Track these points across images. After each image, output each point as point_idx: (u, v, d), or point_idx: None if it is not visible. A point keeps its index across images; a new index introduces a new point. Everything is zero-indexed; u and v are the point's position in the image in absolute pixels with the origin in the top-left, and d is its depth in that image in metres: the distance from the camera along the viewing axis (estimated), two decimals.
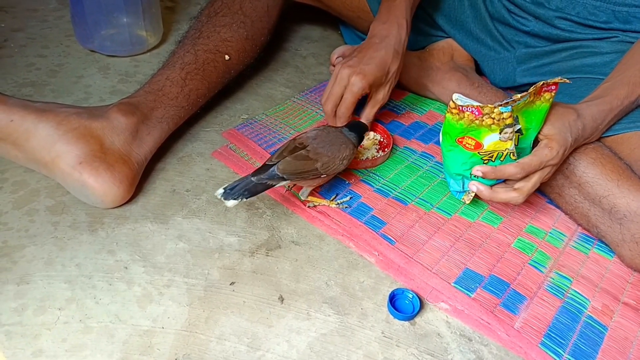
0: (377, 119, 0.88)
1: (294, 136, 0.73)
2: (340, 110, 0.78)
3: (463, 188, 0.72)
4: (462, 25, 1.00)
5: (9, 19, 1.10)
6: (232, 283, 0.62)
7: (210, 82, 0.84)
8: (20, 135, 0.67)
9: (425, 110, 0.98)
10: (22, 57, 0.99)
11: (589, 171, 0.71)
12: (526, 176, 0.69)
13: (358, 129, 0.75)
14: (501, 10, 0.95)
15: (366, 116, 0.83)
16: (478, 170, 0.68)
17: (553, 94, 0.67)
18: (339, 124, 0.79)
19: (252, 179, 0.64)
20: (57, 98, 0.90)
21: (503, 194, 0.70)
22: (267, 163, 0.66)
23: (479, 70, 1.04)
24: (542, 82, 0.67)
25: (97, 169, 0.67)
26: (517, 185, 0.69)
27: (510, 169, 0.67)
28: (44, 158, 0.67)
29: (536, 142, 0.71)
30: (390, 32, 0.80)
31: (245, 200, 0.63)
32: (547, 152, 0.67)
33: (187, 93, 0.80)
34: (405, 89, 1.02)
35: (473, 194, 0.72)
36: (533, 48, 0.94)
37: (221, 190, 0.63)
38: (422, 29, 1.02)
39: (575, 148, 0.71)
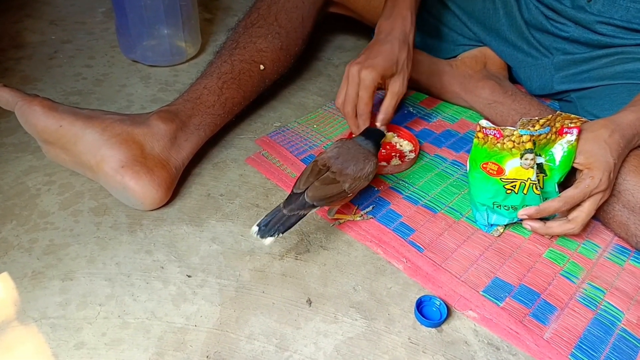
0: (406, 125, 0.88)
1: (315, 157, 0.69)
2: (360, 108, 0.80)
3: (488, 221, 0.72)
4: (497, 32, 0.99)
5: (59, 32, 1.17)
6: (262, 285, 0.64)
7: (246, 91, 0.87)
8: (69, 140, 0.71)
9: (457, 119, 0.98)
10: (71, 68, 1.05)
11: (630, 178, 0.70)
12: (572, 208, 0.68)
13: (374, 137, 0.72)
14: (538, 16, 0.93)
15: (385, 110, 0.82)
16: (523, 214, 0.69)
17: (574, 143, 0.67)
18: (361, 124, 0.80)
19: (284, 211, 0.62)
20: (102, 106, 0.95)
21: (557, 227, 0.70)
22: (294, 191, 0.64)
23: (512, 79, 1.03)
24: (558, 114, 0.68)
25: (137, 172, 0.70)
26: (571, 215, 0.69)
27: (553, 204, 0.67)
28: (90, 161, 0.71)
29: (572, 172, 0.70)
30: (394, 26, 0.81)
31: (281, 235, 0.61)
32: (588, 182, 0.66)
33: (223, 101, 0.83)
34: (437, 97, 1.03)
35: (502, 228, 0.73)
36: (572, 55, 0.92)
37: (255, 228, 0.61)
38: (454, 37, 1.02)
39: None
